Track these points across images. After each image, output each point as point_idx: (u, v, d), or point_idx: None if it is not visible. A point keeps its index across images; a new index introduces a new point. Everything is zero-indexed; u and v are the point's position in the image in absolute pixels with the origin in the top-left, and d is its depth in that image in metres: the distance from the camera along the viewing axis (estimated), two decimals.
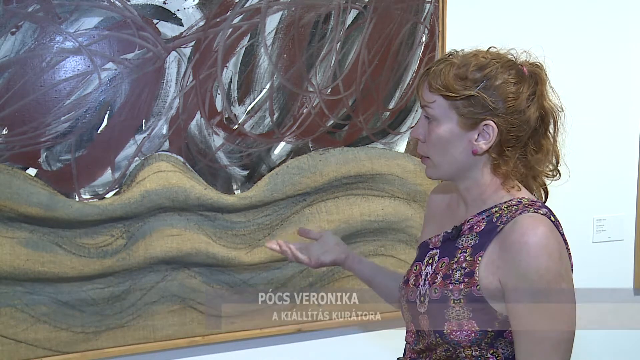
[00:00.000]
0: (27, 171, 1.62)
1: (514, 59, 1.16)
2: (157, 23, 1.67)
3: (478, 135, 1.13)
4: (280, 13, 1.75)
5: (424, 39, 1.88)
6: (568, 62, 2.05)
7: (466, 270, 1.13)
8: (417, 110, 1.90)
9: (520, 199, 1.14)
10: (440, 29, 1.89)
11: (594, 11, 2.08)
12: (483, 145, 1.13)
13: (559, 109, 1.18)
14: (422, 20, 1.87)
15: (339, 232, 1.85)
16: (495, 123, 1.11)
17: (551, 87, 1.17)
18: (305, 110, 1.81)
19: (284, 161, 1.81)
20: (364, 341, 1.97)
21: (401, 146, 1.91)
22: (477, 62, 1.12)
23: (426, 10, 1.87)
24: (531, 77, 1.14)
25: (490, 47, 1.17)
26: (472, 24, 1.93)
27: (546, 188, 1.23)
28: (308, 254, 1.45)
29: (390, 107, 1.88)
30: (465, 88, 1.10)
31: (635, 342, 2.30)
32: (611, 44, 2.11)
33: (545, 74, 1.16)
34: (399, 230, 1.91)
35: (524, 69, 1.14)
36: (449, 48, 1.89)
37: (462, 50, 1.18)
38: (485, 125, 1.12)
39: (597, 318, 2.23)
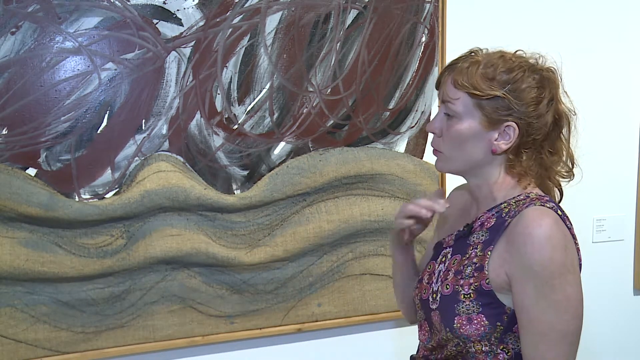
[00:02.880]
0: (27, 171, 1.62)
1: (536, 62, 1.18)
2: (157, 23, 1.67)
3: (498, 135, 1.15)
4: (280, 13, 1.75)
5: (424, 39, 1.88)
6: (568, 61, 2.04)
7: (477, 265, 1.15)
8: (416, 110, 1.90)
9: (528, 193, 1.16)
10: (440, 29, 1.89)
11: (593, 10, 2.08)
12: (503, 145, 1.15)
13: (572, 113, 1.20)
14: (422, 20, 1.87)
15: (339, 232, 1.85)
16: (517, 125, 1.13)
17: (564, 91, 1.20)
18: (305, 110, 1.81)
19: (284, 161, 1.81)
20: (364, 341, 1.97)
21: (401, 146, 1.91)
22: (505, 64, 1.14)
23: (426, 10, 1.87)
24: (549, 82, 1.16)
25: (517, 50, 1.19)
26: (472, 24, 1.93)
27: (561, 188, 1.24)
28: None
29: (390, 107, 1.88)
30: (492, 88, 1.12)
31: (635, 342, 2.30)
32: (611, 44, 2.11)
33: (560, 78, 1.19)
34: None
35: (543, 73, 1.16)
36: (449, 48, 1.89)
37: (486, 49, 1.20)
38: (507, 126, 1.14)
39: (597, 318, 2.23)
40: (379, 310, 1.92)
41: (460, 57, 1.19)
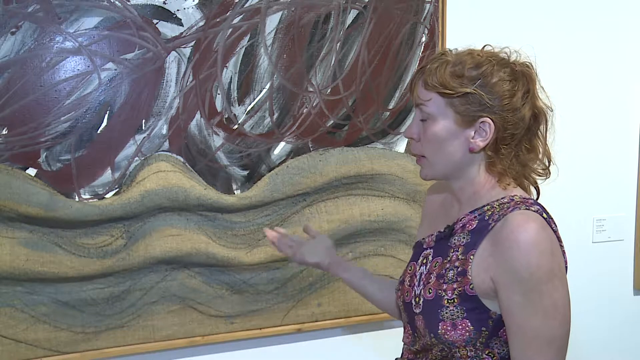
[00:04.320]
0: (27, 171, 1.62)
1: (507, 57, 1.17)
2: (157, 23, 1.67)
3: (475, 132, 1.13)
4: (280, 13, 1.75)
5: (424, 39, 1.88)
6: (568, 61, 2.05)
7: (459, 269, 1.13)
8: None
9: (512, 196, 1.15)
10: (440, 29, 1.89)
11: (594, 10, 2.08)
12: (480, 142, 1.13)
13: (549, 109, 1.18)
14: (422, 20, 1.87)
15: (339, 232, 1.85)
16: (492, 120, 1.12)
17: (541, 86, 1.18)
18: (305, 110, 1.81)
19: (283, 161, 1.81)
20: (364, 341, 1.97)
21: (401, 146, 1.91)
22: (472, 60, 1.13)
23: (426, 10, 1.87)
24: (523, 76, 1.15)
25: (485, 46, 1.18)
26: (472, 24, 1.93)
27: (537, 186, 1.23)
28: (296, 250, 1.51)
29: (390, 107, 1.88)
30: (462, 85, 1.11)
31: (635, 342, 2.30)
32: (613, 44, 2.11)
33: (536, 74, 1.17)
34: (399, 230, 1.91)
35: (516, 67, 1.15)
36: (449, 48, 1.89)
37: (456, 49, 1.19)
38: (482, 122, 1.12)
39: (597, 318, 2.24)
40: (379, 310, 1.92)
41: (431, 59, 1.18)
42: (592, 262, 2.18)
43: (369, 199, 1.89)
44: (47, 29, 1.59)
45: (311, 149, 1.83)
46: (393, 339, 1.91)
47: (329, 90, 1.82)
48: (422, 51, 1.88)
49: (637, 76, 2.16)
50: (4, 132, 1.59)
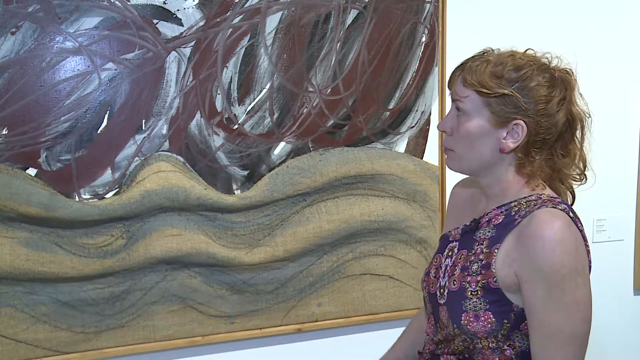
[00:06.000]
0: (27, 171, 1.62)
1: (547, 62, 1.19)
2: (157, 23, 1.67)
3: (507, 133, 1.15)
4: (280, 13, 1.75)
5: (424, 39, 1.88)
6: (567, 61, 2.05)
7: (483, 262, 1.15)
8: (416, 110, 1.90)
9: (540, 194, 1.17)
10: (440, 29, 1.89)
11: (593, 10, 2.08)
12: (511, 144, 1.15)
13: (587, 115, 1.22)
14: (422, 20, 1.87)
15: (339, 232, 1.86)
16: (525, 123, 1.14)
17: (580, 93, 1.21)
18: (305, 110, 1.81)
19: (284, 161, 1.81)
20: (364, 341, 1.97)
21: (401, 146, 1.91)
22: (513, 62, 1.15)
23: (426, 10, 1.87)
24: (562, 82, 1.17)
25: (527, 49, 1.20)
26: (472, 24, 1.93)
27: (573, 191, 1.25)
28: None
29: (390, 107, 1.88)
30: (500, 86, 1.13)
31: (635, 342, 2.30)
32: (611, 43, 2.11)
33: (575, 80, 1.20)
34: (399, 230, 1.91)
35: (556, 73, 1.17)
36: (449, 48, 1.89)
37: (498, 49, 1.21)
38: (515, 124, 1.14)
39: (597, 318, 2.23)
40: (379, 310, 1.92)
41: (472, 56, 1.20)
42: (592, 262, 2.17)
43: (369, 199, 1.89)
44: (47, 29, 1.59)
45: (311, 149, 1.83)
46: (393, 339, 1.92)
47: (329, 90, 1.82)
48: (422, 51, 1.88)
49: (637, 76, 2.16)
50: (4, 132, 1.59)
